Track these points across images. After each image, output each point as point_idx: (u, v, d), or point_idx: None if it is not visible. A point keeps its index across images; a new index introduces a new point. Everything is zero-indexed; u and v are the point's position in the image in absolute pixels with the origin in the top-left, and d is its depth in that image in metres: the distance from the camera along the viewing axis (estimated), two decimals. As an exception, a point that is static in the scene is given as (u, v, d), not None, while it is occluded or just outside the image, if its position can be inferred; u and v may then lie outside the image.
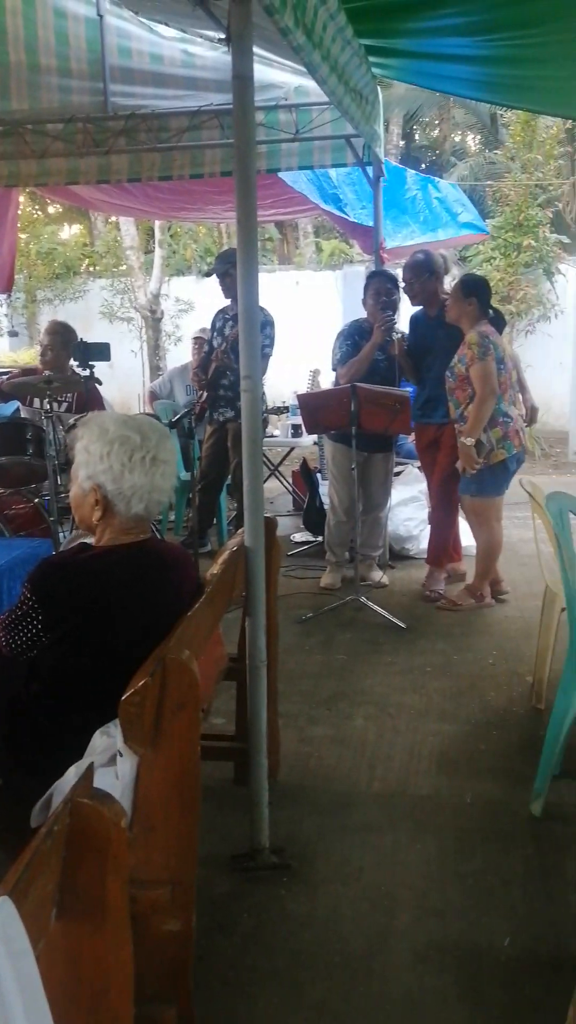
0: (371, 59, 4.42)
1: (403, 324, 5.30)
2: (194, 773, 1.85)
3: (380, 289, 5.11)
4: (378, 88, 4.96)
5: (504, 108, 12.28)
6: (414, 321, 5.23)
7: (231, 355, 5.37)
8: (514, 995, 2.16)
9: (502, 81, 4.66)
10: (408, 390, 4.98)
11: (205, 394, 5.63)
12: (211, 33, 5.19)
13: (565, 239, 10.72)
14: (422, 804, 3.01)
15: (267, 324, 5.38)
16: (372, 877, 2.62)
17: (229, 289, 5.44)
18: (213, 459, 5.64)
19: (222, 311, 5.74)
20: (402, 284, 5.21)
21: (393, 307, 5.11)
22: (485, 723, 3.60)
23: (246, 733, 2.67)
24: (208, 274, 5.65)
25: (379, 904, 2.49)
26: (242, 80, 2.30)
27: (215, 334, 5.69)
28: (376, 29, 4.03)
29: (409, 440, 5.99)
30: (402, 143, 20.48)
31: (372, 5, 3.68)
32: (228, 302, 5.63)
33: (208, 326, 5.99)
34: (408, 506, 6.07)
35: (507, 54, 4.09)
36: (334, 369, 5.23)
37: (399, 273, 5.36)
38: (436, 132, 21.57)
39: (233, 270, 5.23)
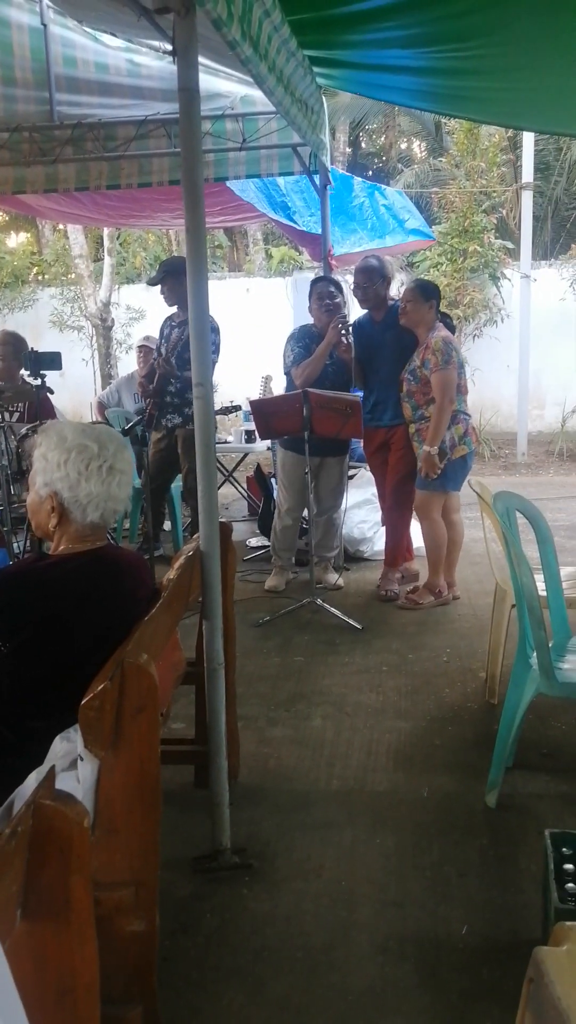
0: (316, 69, 4.49)
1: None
2: (155, 775, 1.88)
3: (323, 293, 5.20)
4: (323, 97, 5.04)
5: (446, 117, 12.48)
6: (359, 326, 5.29)
7: (172, 362, 5.40)
8: (472, 980, 2.22)
9: (442, 92, 4.77)
10: (358, 395, 5.06)
11: (153, 401, 5.64)
12: (156, 43, 5.22)
13: (510, 244, 10.91)
14: (380, 800, 3.06)
15: (212, 331, 5.41)
16: (332, 873, 2.66)
17: (169, 296, 5.48)
18: (161, 465, 5.67)
19: (169, 318, 5.78)
20: (352, 287, 5.29)
21: (338, 311, 5.19)
22: (440, 719, 3.67)
23: (205, 736, 2.70)
24: (152, 283, 5.67)
25: (339, 899, 2.54)
26: (188, 92, 2.34)
27: (163, 341, 5.72)
28: (320, 41, 4.10)
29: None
30: (349, 151, 20.64)
31: (315, 18, 3.75)
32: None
33: (156, 334, 6.01)
34: (362, 509, 6.15)
35: (446, 66, 4.19)
36: (286, 372, 5.29)
37: (349, 279, 5.44)
38: (382, 140, 21.77)
39: (171, 278, 5.32)
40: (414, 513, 5.08)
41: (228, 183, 6.17)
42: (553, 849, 2.21)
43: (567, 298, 10.41)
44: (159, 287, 5.50)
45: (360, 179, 7.50)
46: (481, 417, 10.72)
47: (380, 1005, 2.15)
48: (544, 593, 3.08)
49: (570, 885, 2.10)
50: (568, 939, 1.58)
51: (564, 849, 2.22)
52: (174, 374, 5.42)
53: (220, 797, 2.66)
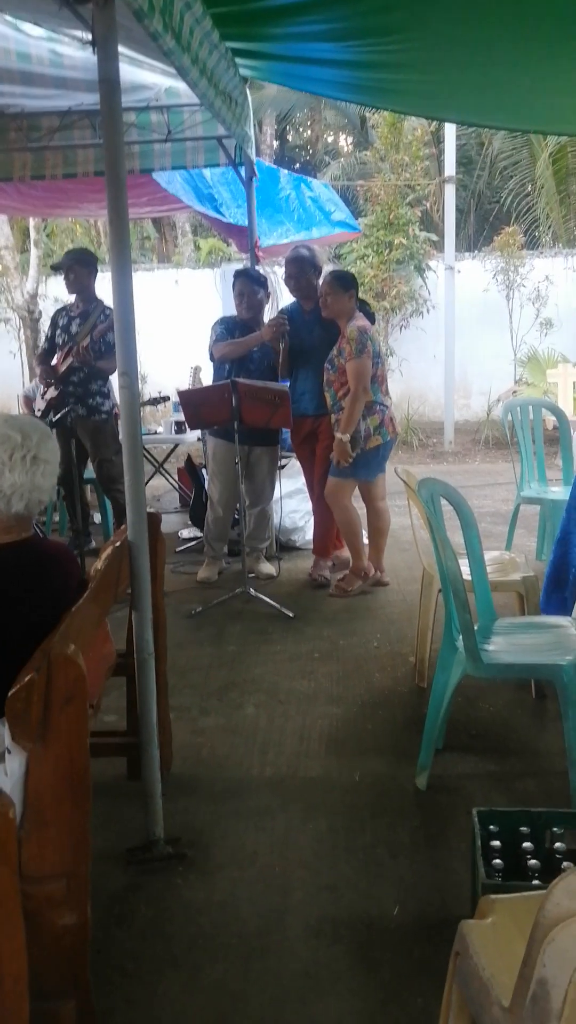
0: (240, 61, 4.49)
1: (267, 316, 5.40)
2: (84, 766, 1.87)
3: (244, 290, 5.23)
4: (247, 90, 5.03)
5: (371, 109, 12.56)
6: (288, 314, 5.31)
7: (92, 352, 5.39)
8: (405, 958, 2.26)
9: (365, 84, 4.80)
10: (285, 385, 5.08)
11: (53, 390, 5.60)
12: (79, 33, 5.15)
13: (434, 237, 11.05)
14: (313, 785, 3.10)
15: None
16: (266, 859, 2.69)
17: (73, 285, 5.52)
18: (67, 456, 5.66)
19: (65, 309, 5.78)
20: (283, 277, 5.32)
21: (258, 307, 5.22)
22: (371, 703, 3.72)
23: (137, 727, 2.70)
24: (55, 267, 5.67)
25: (273, 884, 2.57)
26: (109, 84, 2.33)
27: (59, 331, 5.68)
28: (243, 33, 4.10)
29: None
30: (276, 143, 20.64)
31: (238, 11, 3.75)
32: (102, 301, 5.64)
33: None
34: (293, 498, 6.18)
35: (368, 59, 4.23)
36: (210, 351, 5.29)
37: (278, 270, 5.47)
38: (309, 133, 21.82)
39: (78, 266, 5.35)
40: (326, 496, 5.13)
41: (154, 175, 6.13)
42: (480, 827, 2.26)
43: (490, 289, 10.58)
44: (63, 276, 5.53)
45: (287, 171, 7.52)
46: (409, 407, 10.86)
47: (314, 987, 2.18)
48: (469, 577, 3.15)
49: (497, 861, 2.15)
50: (492, 912, 1.64)
51: (491, 826, 2.27)
52: (92, 363, 5.40)
53: (152, 788, 2.66)
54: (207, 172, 6.45)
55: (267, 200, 6.84)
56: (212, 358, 5.29)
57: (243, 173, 5.86)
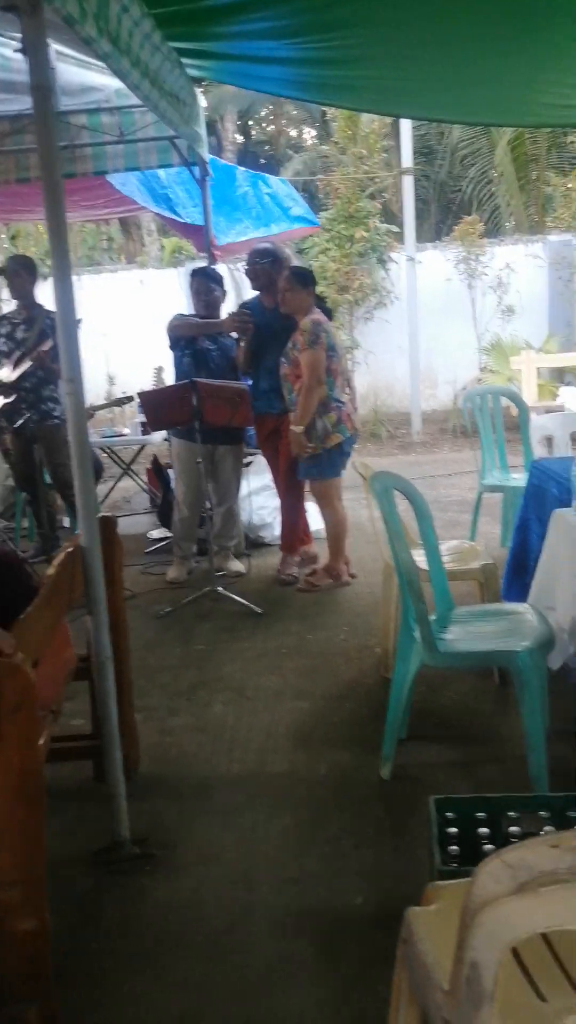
0: (187, 61, 4.48)
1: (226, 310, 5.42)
2: (37, 773, 1.89)
3: (201, 288, 5.26)
4: (196, 90, 5.03)
5: (320, 105, 12.57)
6: (250, 309, 5.32)
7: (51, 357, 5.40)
8: (368, 948, 2.29)
9: (313, 81, 4.82)
10: (247, 383, 5.10)
11: (2, 398, 5.60)
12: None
13: (395, 228, 11.08)
14: (279, 780, 3.12)
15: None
16: (232, 856, 2.71)
17: (16, 290, 5.60)
18: (26, 462, 5.67)
19: (6, 317, 5.79)
20: (245, 271, 5.33)
21: (216, 304, 5.23)
22: (338, 696, 3.76)
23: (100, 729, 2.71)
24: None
25: (239, 881, 2.59)
26: (41, 90, 2.33)
27: (3, 340, 5.68)
28: (187, 33, 4.10)
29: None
30: (240, 139, 20.63)
31: (181, 11, 3.75)
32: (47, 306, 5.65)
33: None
34: (261, 495, 6.19)
35: (315, 56, 4.24)
36: (170, 342, 5.32)
37: (241, 266, 5.50)
38: (271, 128, 21.82)
39: (23, 271, 5.38)
40: (315, 499, 5.16)
41: (108, 177, 6.11)
42: (437, 814, 2.29)
43: (453, 279, 10.63)
44: (7, 281, 5.56)
45: (243, 169, 7.51)
46: (377, 398, 10.89)
47: (279, 980, 2.21)
48: (426, 567, 3.18)
49: (453, 848, 2.19)
50: (438, 898, 1.67)
51: (448, 813, 2.30)
52: (51, 366, 5.40)
53: (116, 789, 2.68)
54: (161, 172, 6.43)
55: (224, 198, 6.83)
56: (171, 346, 5.30)
57: (197, 173, 5.86)
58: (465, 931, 1.21)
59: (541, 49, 3.84)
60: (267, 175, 7.75)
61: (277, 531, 5.86)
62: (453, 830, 2.25)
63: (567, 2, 3.37)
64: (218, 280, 5.37)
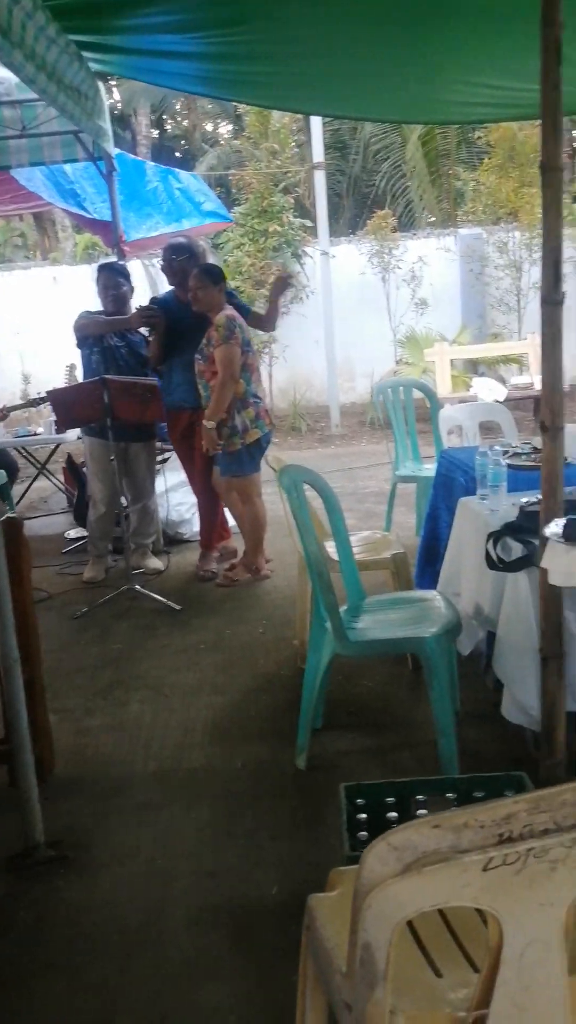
0: (89, 55, 4.42)
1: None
2: None
3: (108, 283, 5.22)
4: (100, 84, 4.96)
5: (223, 101, 12.53)
6: (162, 304, 5.29)
7: None
8: (282, 937, 2.31)
9: (218, 77, 4.80)
10: (156, 379, 5.07)
11: None
12: None
13: (309, 223, 11.13)
14: (196, 775, 3.13)
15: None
16: (149, 853, 2.71)
17: None
18: None
19: None
20: (161, 266, 5.31)
21: (123, 299, 5.19)
22: (255, 689, 3.77)
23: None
24: None
25: (155, 877, 2.59)
26: None
27: None
28: (86, 26, 4.04)
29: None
30: (155, 133, 20.44)
31: (76, 3, 3.70)
32: None
33: None
34: (179, 491, 6.17)
35: (218, 51, 4.22)
36: (76, 340, 5.26)
37: (155, 261, 5.46)
38: (186, 122, 21.66)
39: None
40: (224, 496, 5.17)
41: (13, 172, 6.00)
42: (347, 801, 2.33)
43: (367, 272, 10.72)
44: None
45: (153, 164, 7.47)
46: (296, 392, 10.93)
47: (195, 974, 2.22)
48: (337, 558, 3.21)
49: (362, 833, 2.22)
50: (340, 883, 1.70)
51: (358, 800, 2.34)
52: None
53: (28, 793, 2.65)
54: (68, 167, 6.35)
55: (134, 193, 6.78)
56: (78, 344, 5.25)
57: (103, 168, 5.79)
58: (356, 914, 1.24)
59: (439, 48, 3.89)
60: (178, 170, 7.71)
61: (195, 527, 5.85)
62: (363, 816, 2.29)
63: (462, 3, 3.43)
64: (125, 275, 5.33)
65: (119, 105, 18.11)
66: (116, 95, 18.16)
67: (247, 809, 2.90)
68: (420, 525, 5.51)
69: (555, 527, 2.38)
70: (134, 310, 5.17)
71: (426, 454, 5.73)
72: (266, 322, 5.44)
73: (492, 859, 1.14)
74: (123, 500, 5.26)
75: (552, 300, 2.49)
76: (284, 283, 5.44)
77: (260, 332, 6.29)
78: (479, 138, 12.65)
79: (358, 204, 16.08)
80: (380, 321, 10.80)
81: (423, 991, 1.42)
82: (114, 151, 5.70)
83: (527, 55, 2.82)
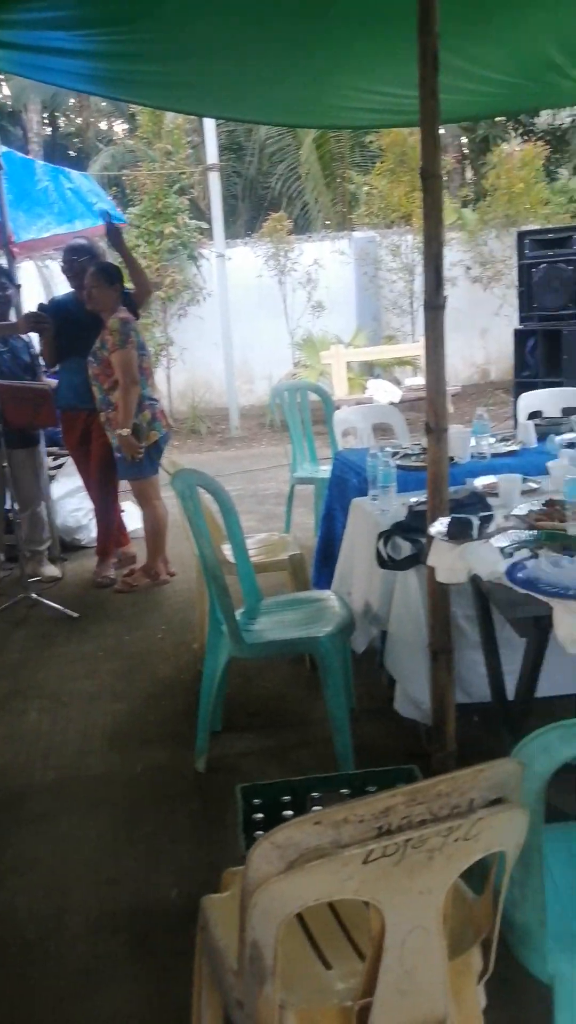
0: (-31, 50, 4.33)
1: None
2: None
3: None
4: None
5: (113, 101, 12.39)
6: (61, 305, 5.22)
7: None
8: (182, 940, 2.29)
9: (105, 75, 4.74)
10: (53, 381, 5.01)
11: None
12: None
13: (204, 224, 11.12)
14: (95, 783, 3.10)
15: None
16: (48, 863, 2.68)
17: None
18: None
19: None
20: (60, 267, 5.22)
21: (6, 303, 5.11)
22: (155, 695, 3.76)
23: None
24: None
25: (54, 887, 2.57)
26: None
27: None
28: (-36, 21, 3.96)
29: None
30: (48, 130, 20.07)
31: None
32: None
33: None
34: (74, 497, 6.08)
35: (106, 49, 4.18)
36: None
37: (50, 263, 5.36)
38: (80, 119, 21.34)
39: None
40: (134, 499, 5.13)
41: None
42: (243, 802, 2.35)
43: (264, 275, 10.77)
44: None
45: (43, 163, 7.34)
46: (195, 395, 10.92)
47: (93, 982, 2.21)
48: (233, 560, 3.23)
49: (258, 833, 2.24)
50: (233, 883, 1.72)
51: (254, 800, 2.36)
52: None
53: None
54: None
55: (23, 193, 6.64)
56: None
57: (-13, 166, 5.67)
58: (244, 913, 1.26)
59: (324, 52, 3.94)
60: (69, 170, 7.59)
61: (92, 532, 5.79)
62: (259, 816, 2.32)
63: (345, 7, 3.49)
64: (9, 277, 5.24)
65: (8, 101, 17.72)
66: (5, 90, 17.77)
67: (147, 814, 2.90)
68: (318, 526, 5.60)
69: (440, 526, 2.45)
70: (24, 313, 5.09)
71: (323, 456, 5.80)
72: (141, 289, 5.26)
73: (372, 852, 1.18)
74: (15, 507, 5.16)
75: (434, 304, 2.56)
76: (115, 230, 5.27)
77: (156, 333, 6.27)
78: (371, 142, 12.87)
79: (254, 206, 16.13)
80: (277, 323, 10.87)
81: (313, 984, 1.46)
82: (1, 148, 5.59)
83: (408, 63, 2.90)
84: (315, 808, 2.33)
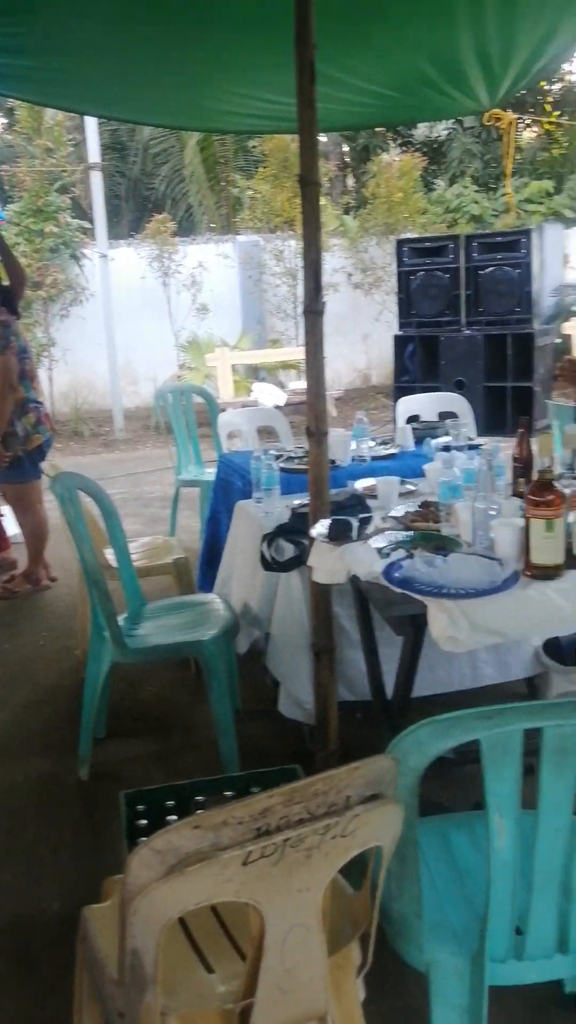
0: None
1: None
2: None
3: None
4: None
5: None
6: None
7: None
8: (63, 954, 2.25)
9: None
10: None
11: None
12: None
13: (87, 224, 10.94)
14: (-28, 797, 3.02)
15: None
16: None
17: None
18: None
19: None
20: None
21: None
22: (37, 703, 3.68)
23: None
24: None
25: None
26: None
27: None
28: None
29: None
30: None
31: None
32: None
33: None
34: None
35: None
36: None
37: None
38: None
39: None
40: (11, 505, 5.00)
41: None
42: (127, 808, 2.33)
43: (148, 277, 10.67)
44: None
45: None
46: (78, 396, 10.74)
47: (-30, 1001, 2.15)
48: (116, 565, 3.20)
49: (142, 838, 2.22)
50: (114, 892, 1.70)
51: (138, 807, 2.34)
52: None
53: None
54: None
55: None
56: None
57: None
58: (124, 921, 1.25)
59: (202, 56, 3.94)
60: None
61: (-29, 539, 5.62)
62: (144, 822, 2.30)
63: (223, 12, 3.50)
64: None
65: None
66: None
67: (27, 825, 2.83)
68: (203, 529, 5.59)
69: (320, 527, 2.49)
70: None
71: (208, 458, 5.79)
72: (16, 281, 5.01)
73: (251, 853, 1.19)
74: None
75: (313, 310, 2.59)
76: None
77: (38, 334, 6.12)
78: (255, 147, 12.92)
79: (138, 207, 15.95)
80: (162, 325, 10.79)
81: (195, 988, 1.46)
82: None
83: (286, 71, 2.92)
84: (199, 812, 2.34)
